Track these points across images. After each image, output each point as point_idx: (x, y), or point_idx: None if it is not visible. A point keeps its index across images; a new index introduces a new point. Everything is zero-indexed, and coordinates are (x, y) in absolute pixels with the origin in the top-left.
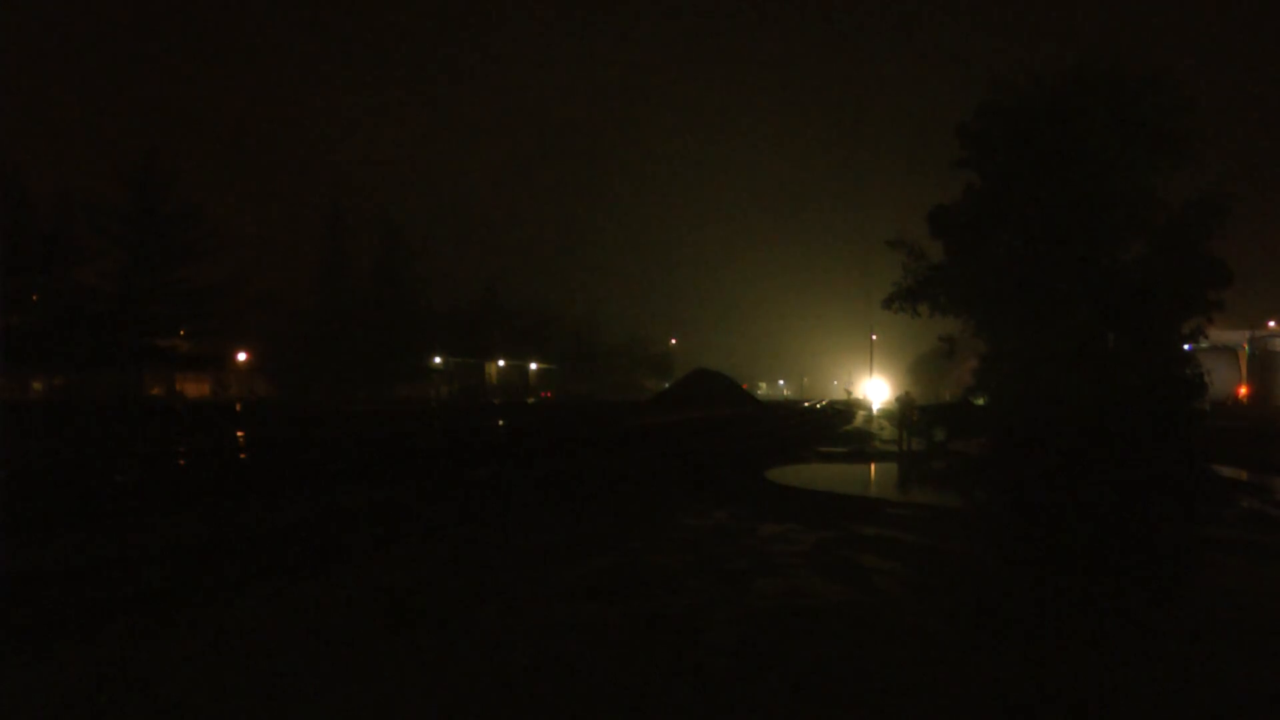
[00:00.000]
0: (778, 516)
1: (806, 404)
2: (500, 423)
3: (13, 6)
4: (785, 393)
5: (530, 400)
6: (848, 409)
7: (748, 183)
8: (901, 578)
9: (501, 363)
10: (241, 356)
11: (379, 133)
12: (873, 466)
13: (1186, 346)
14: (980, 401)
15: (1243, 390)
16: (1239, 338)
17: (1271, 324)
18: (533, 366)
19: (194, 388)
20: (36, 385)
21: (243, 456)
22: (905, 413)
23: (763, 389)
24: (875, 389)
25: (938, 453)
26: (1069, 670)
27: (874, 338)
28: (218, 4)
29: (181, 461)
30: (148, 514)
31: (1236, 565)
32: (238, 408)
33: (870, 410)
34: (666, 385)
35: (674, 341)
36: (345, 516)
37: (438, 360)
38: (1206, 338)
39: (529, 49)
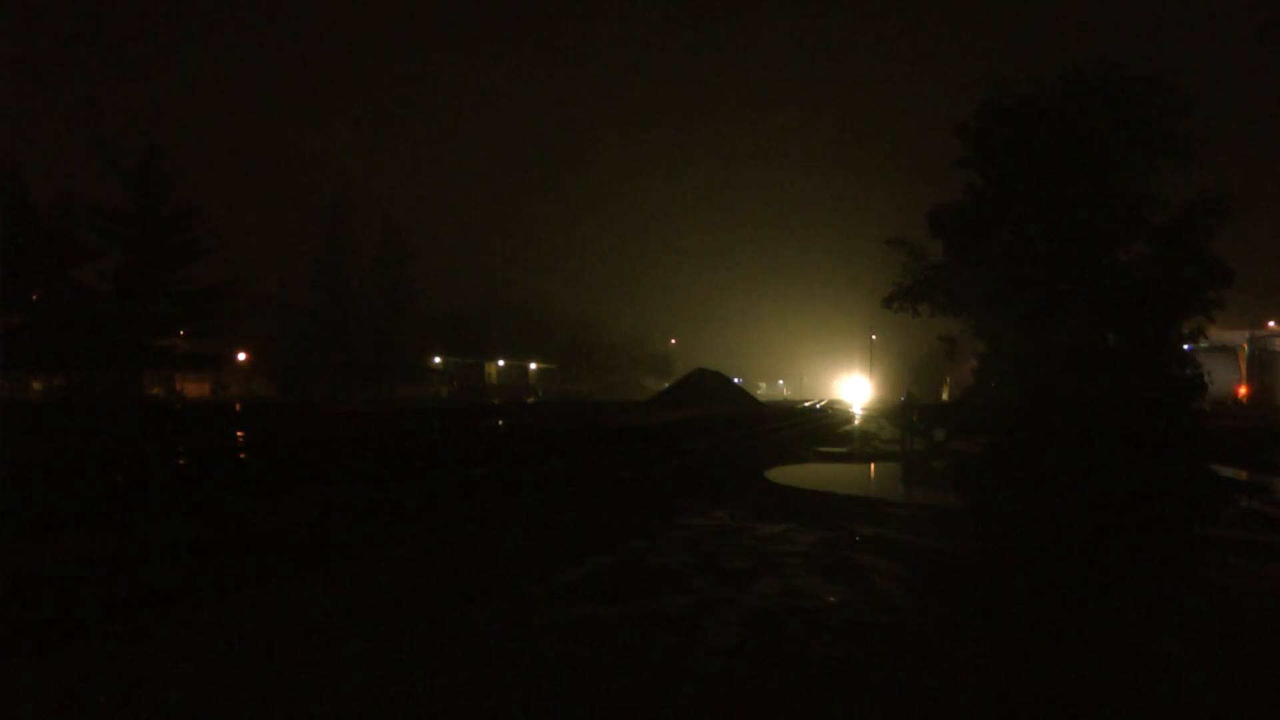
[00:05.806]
0: (777, 516)
1: (806, 403)
2: (499, 422)
3: (13, 7)
4: (785, 392)
5: (530, 400)
6: (847, 409)
7: (749, 182)
8: (901, 578)
9: (501, 363)
10: (241, 356)
11: (379, 133)
12: (872, 466)
13: (1186, 346)
14: (980, 401)
15: (1243, 390)
16: (1239, 338)
17: (1271, 324)
18: (533, 366)
19: (194, 388)
20: (36, 385)
21: (242, 456)
22: (906, 412)
23: (762, 389)
24: (856, 389)
25: (938, 453)
26: (1068, 671)
27: (874, 338)
28: (218, 4)
29: (181, 461)
30: (147, 513)
31: (1236, 565)
32: (238, 407)
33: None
34: (666, 385)
35: (674, 341)
36: (343, 516)
37: (437, 360)
38: (1206, 338)
39: (529, 47)
